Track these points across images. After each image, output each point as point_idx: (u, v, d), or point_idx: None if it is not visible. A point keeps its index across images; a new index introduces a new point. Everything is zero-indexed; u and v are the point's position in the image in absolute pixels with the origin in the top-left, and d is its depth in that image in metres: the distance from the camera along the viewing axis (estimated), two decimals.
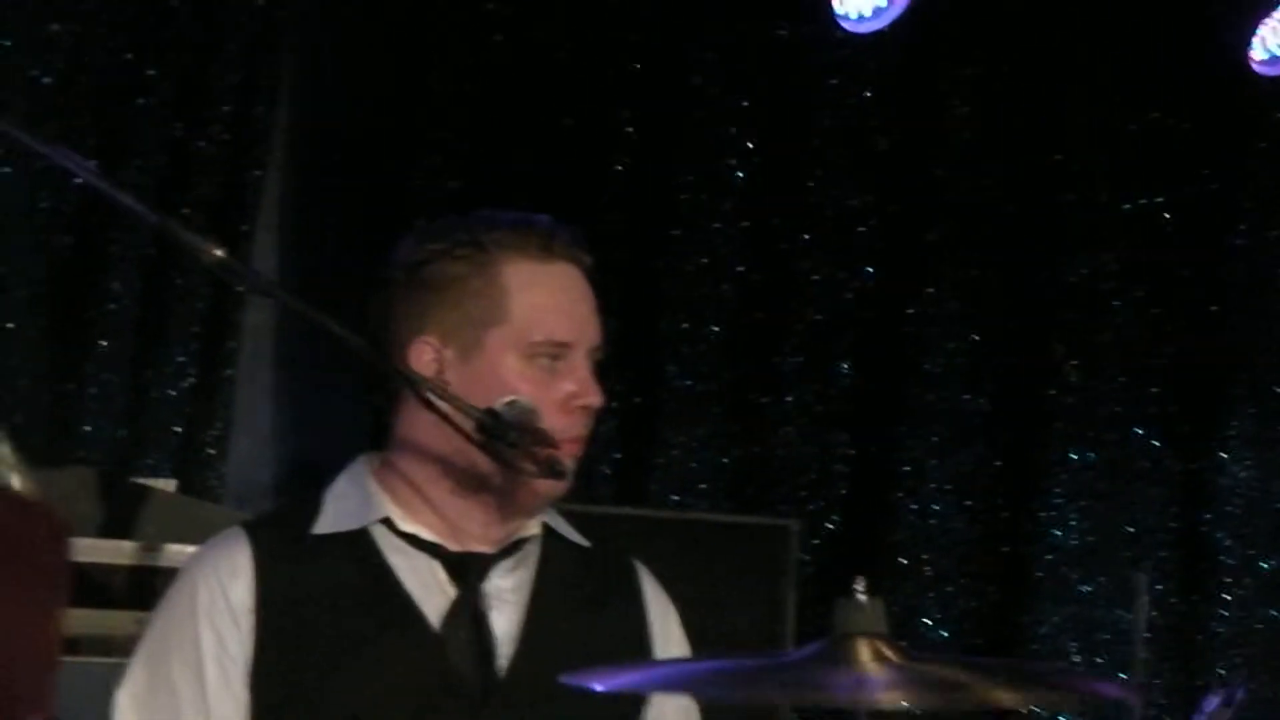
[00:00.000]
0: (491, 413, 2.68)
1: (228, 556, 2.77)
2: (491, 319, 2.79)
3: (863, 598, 2.21)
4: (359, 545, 2.80)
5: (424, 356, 2.79)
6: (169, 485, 4.29)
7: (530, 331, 2.79)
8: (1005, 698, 2.27)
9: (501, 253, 2.81)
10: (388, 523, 2.81)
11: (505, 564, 2.83)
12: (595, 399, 2.78)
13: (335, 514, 2.82)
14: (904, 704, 2.15)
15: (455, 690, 2.74)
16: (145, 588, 3.66)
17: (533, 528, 2.87)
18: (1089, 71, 5.97)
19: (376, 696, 2.71)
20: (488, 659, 2.76)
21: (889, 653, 2.20)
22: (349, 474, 2.87)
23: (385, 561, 2.78)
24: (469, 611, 2.77)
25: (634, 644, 2.89)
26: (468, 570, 2.79)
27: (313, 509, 2.83)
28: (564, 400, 2.77)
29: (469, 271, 2.80)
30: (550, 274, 2.83)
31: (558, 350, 2.80)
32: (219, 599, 2.74)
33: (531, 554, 2.86)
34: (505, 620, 2.79)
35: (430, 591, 2.77)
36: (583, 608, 2.87)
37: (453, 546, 2.80)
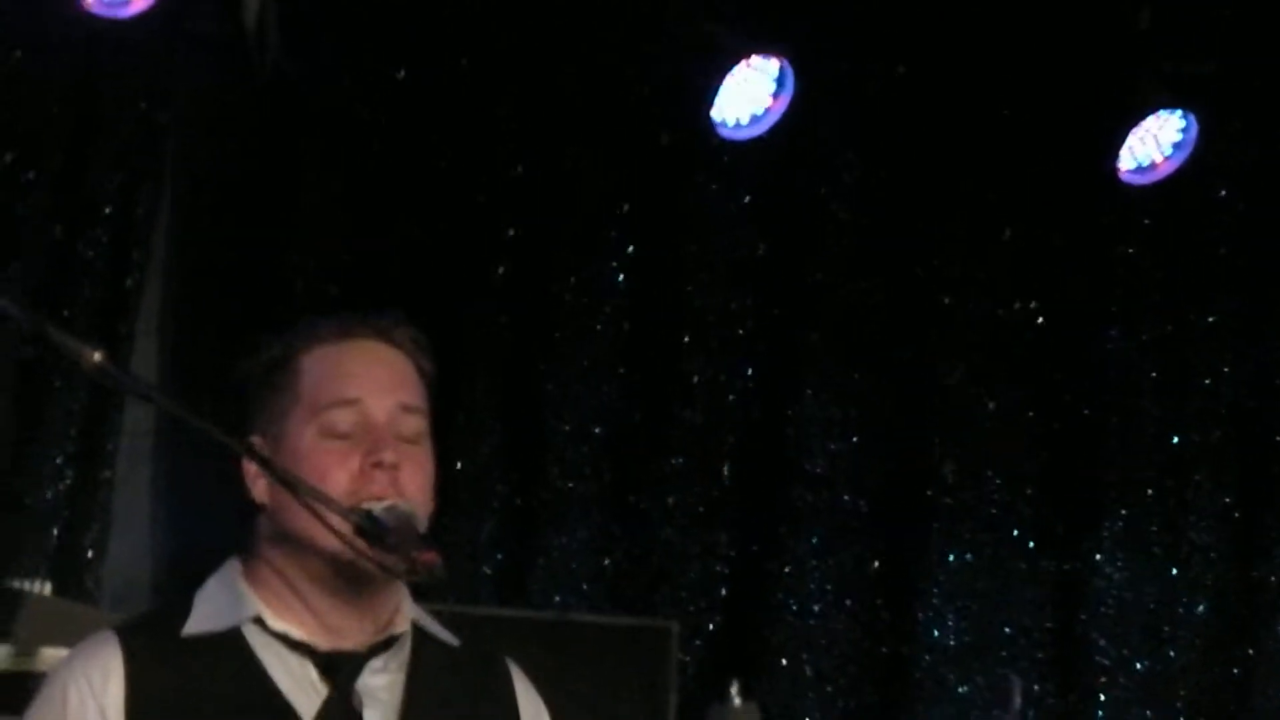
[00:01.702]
0: (369, 516, 2.69)
1: (98, 659, 2.76)
2: (289, 404, 2.81)
3: (737, 702, 2.25)
4: (230, 645, 2.79)
5: (249, 459, 2.81)
6: (44, 588, 4.25)
7: (317, 400, 2.79)
8: None
9: (302, 345, 2.84)
10: (259, 622, 2.80)
11: (376, 662, 2.83)
12: (387, 455, 2.76)
13: (205, 614, 2.81)
14: None
15: None
16: (19, 692, 3.62)
17: (402, 625, 2.88)
18: (964, 178, 6.07)
19: None
20: None
21: None
22: (219, 575, 2.87)
23: (257, 661, 2.77)
24: (342, 711, 2.77)
25: None
26: (339, 669, 2.79)
27: (183, 610, 2.82)
28: (360, 467, 2.76)
29: (277, 369, 2.83)
30: (342, 349, 2.84)
31: (349, 414, 2.79)
32: (89, 702, 2.72)
33: (402, 652, 2.86)
34: (377, 719, 2.79)
35: (303, 691, 2.76)
36: (456, 707, 2.87)
37: (323, 645, 2.80)
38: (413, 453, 2.80)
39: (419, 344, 2.90)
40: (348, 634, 2.81)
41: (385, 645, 2.84)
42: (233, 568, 2.86)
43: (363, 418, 2.78)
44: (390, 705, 2.80)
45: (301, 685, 2.76)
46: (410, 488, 2.75)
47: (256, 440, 2.83)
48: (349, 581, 2.78)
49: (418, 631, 2.89)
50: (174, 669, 2.75)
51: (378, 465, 2.74)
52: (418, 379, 2.87)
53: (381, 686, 2.81)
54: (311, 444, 2.77)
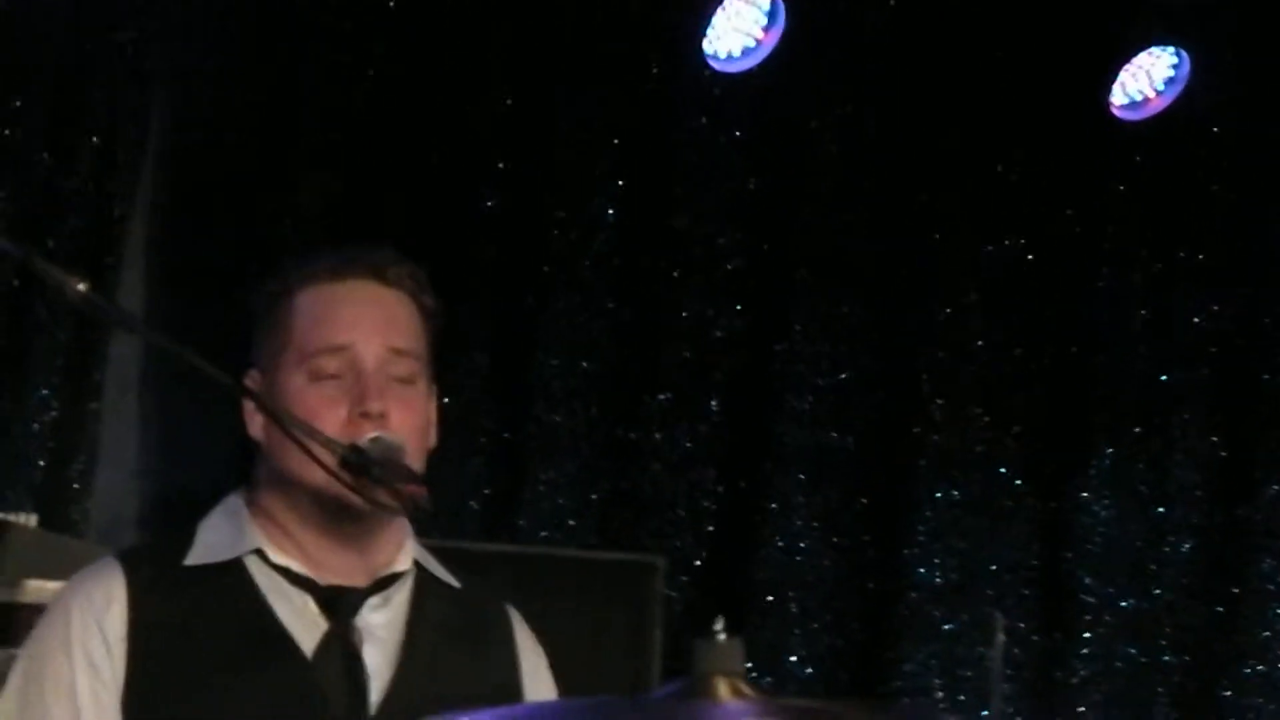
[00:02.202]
0: (355, 448, 2.69)
1: (102, 585, 2.77)
2: (281, 346, 2.81)
3: (721, 637, 2.23)
4: (232, 576, 2.80)
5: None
6: (30, 520, 4.25)
7: (306, 345, 2.79)
8: None
9: (298, 284, 2.83)
10: (260, 555, 2.81)
11: (375, 599, 2.84)
12: (373, 404, 2.76)
13: (208, 545, 2.82)
14: None
15: None
16: (7, 624, 3.62)
17: (403, 563, 2.88)
18: (955, 114, 6.05)
19: None
20: (359, 693, 2.76)
21: (747, 691, 2.22)
22: (223, 507, 2.88)
23: (258, 593, 2.79)
24: (341, 645, 2.78)
25: (504, 687, 2.91)
26: (339, 605, 2.80)
27: (186, 541, 2.83)
28: (345, 416, 2.76)
29: (272, 306, 2.84)
30: (335, 290, 2.84)
31: (337, 360, 2.78)
32: (92, 627, 2.74)
33: (403, 590, 2.87)
34: (377, 656, 2.80)
35: (303, 624, 2.77)
36: (455, 648, 2.88)
37: (323, 580, 2.81)
38: (404, 395, 2.79)
39: (417, 281, 2.88)
40: (346, 571, 2.82)
41: (386, 583, 2.85)
42: (237, 500, 2.86)
43: (351, 362, 2.77)
44: (389, 642, 2.82)
45: (302, 618, 2.78)
46: (401, 431, 2.75)
47: (255, 376, 2.83)
48: (339, 518, 2.78)
49: (420, 571, 2.90)
50: (176, 597, 2.76)
51: (365, 415, 2.74)
52: (414, 318, 2.86)
53: (380, 624, 2.82)
54: (301, 387, 2.77)
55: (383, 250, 2.89)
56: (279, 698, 2.73)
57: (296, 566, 2.81)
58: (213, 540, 2.84)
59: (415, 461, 2.77)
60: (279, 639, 2.76)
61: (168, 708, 2.72)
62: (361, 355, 2.78)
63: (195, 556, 2.82)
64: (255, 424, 2.83)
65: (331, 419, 2.74)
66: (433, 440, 2.90)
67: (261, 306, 2.87)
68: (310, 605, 2.80)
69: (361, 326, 2.80)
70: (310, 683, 2.75)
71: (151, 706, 2.72)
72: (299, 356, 2.78)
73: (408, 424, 2.77)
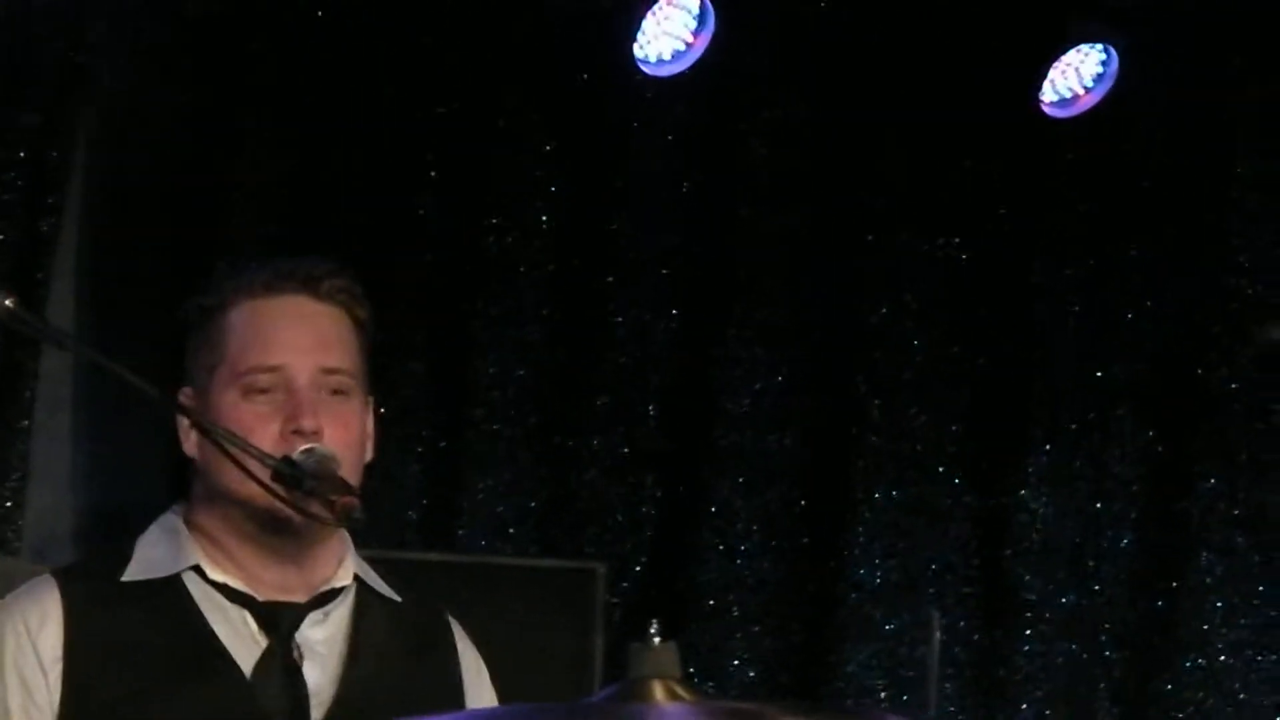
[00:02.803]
0: (288, 460, 2.68)
1: (36, 604, 2.75)
2: (214, 362, 2.81)
3: (656, 641, 2.24)
4: (170, 593, 2.79)
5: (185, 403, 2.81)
6: None
7: (238, 363, 2.79)
8: None
9: (230, 298, 2.83)
10: (198, 571, 2.80)
11: (316, 615, 2.83)
12: (306, 422, 2.75)
13: (146, 562, 2.81)
14: None
15: None
16: None
17: (344, 578, 2.87)
18: (887, 114, 6.06)
19: None
20: (300, 711, 2.76)
21: (683, 694, 2.23)
22: (161, 523, 2.87)
23: (197, 610, 2.78)
24: (280, 662, 2.77)
25: (446, 700, 2.90)
26: (279, 621, 2.79)
27: (123, 557, 2.82)
28: (278, 432, 2.75)
29: (204, 321, 2.83)
30: (268, 306, 2.83)
31: (271, 378, 2.78)
32: (26, 647, 2.72)
33: (343, 605, 2.86)
34: (317, 672, 2.79)
35: (242, 641, 2.77)
36: (396, 663, 2.88)
37: (261, 596, 2.79)
38: (338, 409, 2.79)
39: (351, 293, 2.88)
40: (285, 586, 2.81)
41: (326, 598, 2.83)
42: (174, 516, 2.85)
43: (284, 380, 2.76)
44: (329, 658, 2.81)
45: (241, 636, 2.77)
46: (335, 446, 2.74)
47: (188, 392, 2.82)
48: (274, 532, 2.77)
49: (361, 585, 2.89)
50: (113, 614, 2.75)
51: (297, 432, 2.73)
52: (347, 332, 2.86)
53: (320, 640, 2.82)
54: (234, 404, 2.77)
55: (314, 261, 2.87)
56: (218, 716, 2.72)
57: (235, 583, 2.80)
58: (151, 556, 2.82)
59: (352, 474, 2.76)
60: (217, 657, 2.76)
61: None
62: (294, 375, 2.78)
63: (133, 573, 2.81)
64: (190, 441, 2.82)
65: (264, 435, 2.73)
66: (370, 453, 2.89)
67: (193, 321, 2.86)
68: (249, 622, 2.79)
69: (294, 346, 2.79)
70: (249, 701, 2.74)
71: None
72: (231, 374, 2.78)
73: (341, 439, 2.77)
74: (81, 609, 2.75)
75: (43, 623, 2.73)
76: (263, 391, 2.77)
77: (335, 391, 2.80)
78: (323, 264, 2.89)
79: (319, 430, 2.74)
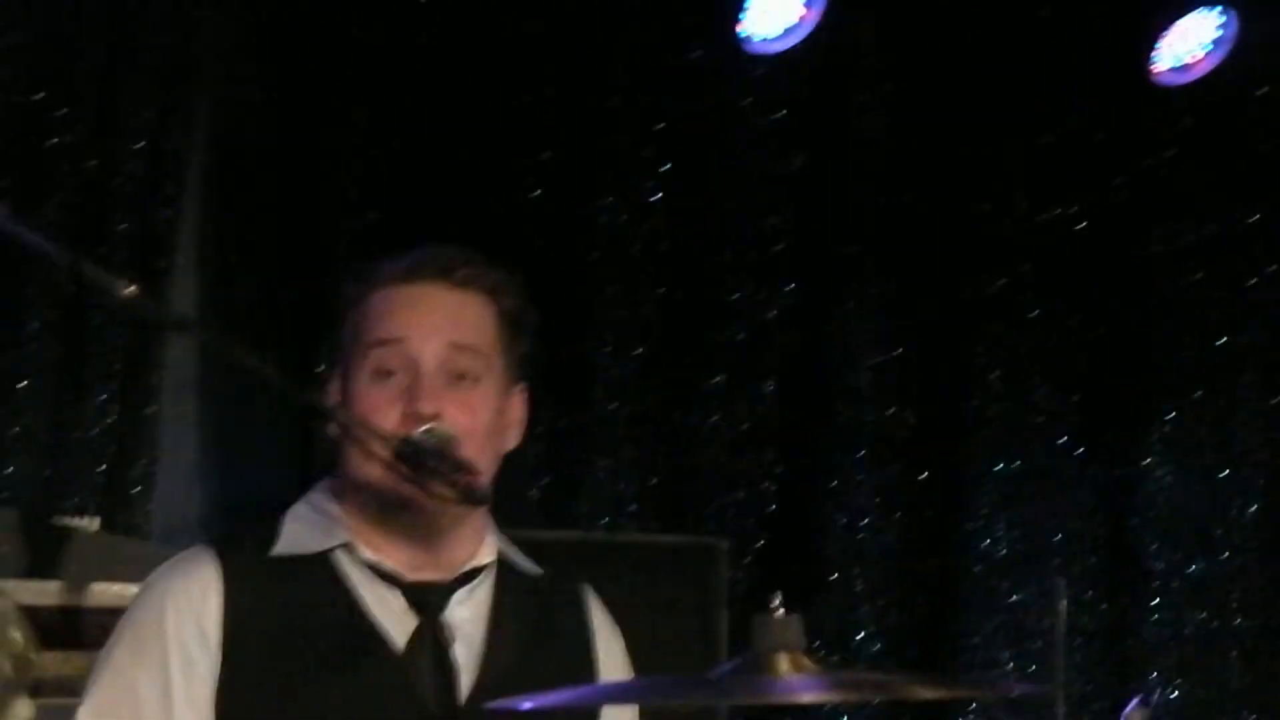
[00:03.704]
0: (407, 440, 2.70)
1: (198, 576, 2.78)
2: (351, 345, 2.83)
3: (780, 614, 2.24)
4: (322, 569, 2.81)
5: (331, 388, 2.84)
6: (93, 524, 4.27)
7: (366, 340, 2.81)
8: (925, 693, 2.35)
9: (374, 283, 2.85)
10: (348, 549, 2.82)
11: (461, 594, 2.85)
12: (424, 405, 2.76)
13: (295, 537, 2.83)
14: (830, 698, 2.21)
15: (419, 716, 2.76)
16: (72, 627, 3.64)
17: (486, 556, 2.89)
18: (1000, 84, 6.02)
19: (342, 718, 2.72)
20: (450, 688, 2.78)
21: (808, 665, 2.23)
22: (309, 498, 2.89)
23: (348, 587, 2.80)
24: (432, 641, 2.79)
25: (581, 670, 2.92)
26: (427, 600, 2.81)
27: (272, 533, 2.84)
28: (399, 415, 2.77)
29: (347, 308, 2.85)
30: (402, 291, 2.84)
31: (394, 354, 2.79)
32: (188, 617, 2.75)
33: (485, 583, 2.88)
34: (464, 650, 2.82)
35: (393, 620, 2.79)
36: (536, 638, 2.90)
37: (409, 576, 2.82)
38: (463, 394, 2.79)
39: (493, 281, 2.88)
40: (427, 566, 2.83)
41: (469, 577, 2.86)
42: (323, 492, 2.88)
43: (408, 358, 2.78)
44: (474, 636, 2.83)
45: (392, 614, 2.79)
46: (456, 430, 2.75)
47: (334, 372, 2.86)
48: (402, 512, 2.79)
49: (502, 563, 2.91)
50: (269, 588, 2.77)
51: (416, 416, 2.75)
52: (485, 318, 2.85)
53: (466, 619, 2.84)
54: (364, 386, 2.79)
55: (456, 251, 2.89)
56: (372, 693, 2.75)
57: (385, 562, 2.82)
58: (300, 532, 2.85)
59: (479, 458, 2.77)
60: (370, 635, 2.78)
61: (262, 701, 2.73)
62: (417, 350, 2.79)
63: (284, 548, 2.83)
64: (333, 425, 2.85)
65: (387, 417, 2.75)
66: (512, 440, 2.90)
67: (339, 309, 2.89)
68: (399, 600, 2.82)
69: (419, 323, 2.81)
70: (402, 678, 2.77)
71: (246, 699, 2.73)
72: (362, 355, 2.80)
73: (464, 424, 2.77)
74: (239, 582, 2.76)
75: (204, 596, 2.75)
76: (390, 374, 2.79)
77: (462, 376, 2.81)
78: (463, 253, 2.91)
79: (438, 415, 2.75)
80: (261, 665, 2.73)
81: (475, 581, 2.87)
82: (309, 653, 2.74)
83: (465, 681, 2.80)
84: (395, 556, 2.82)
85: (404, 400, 2.76)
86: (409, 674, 2.77)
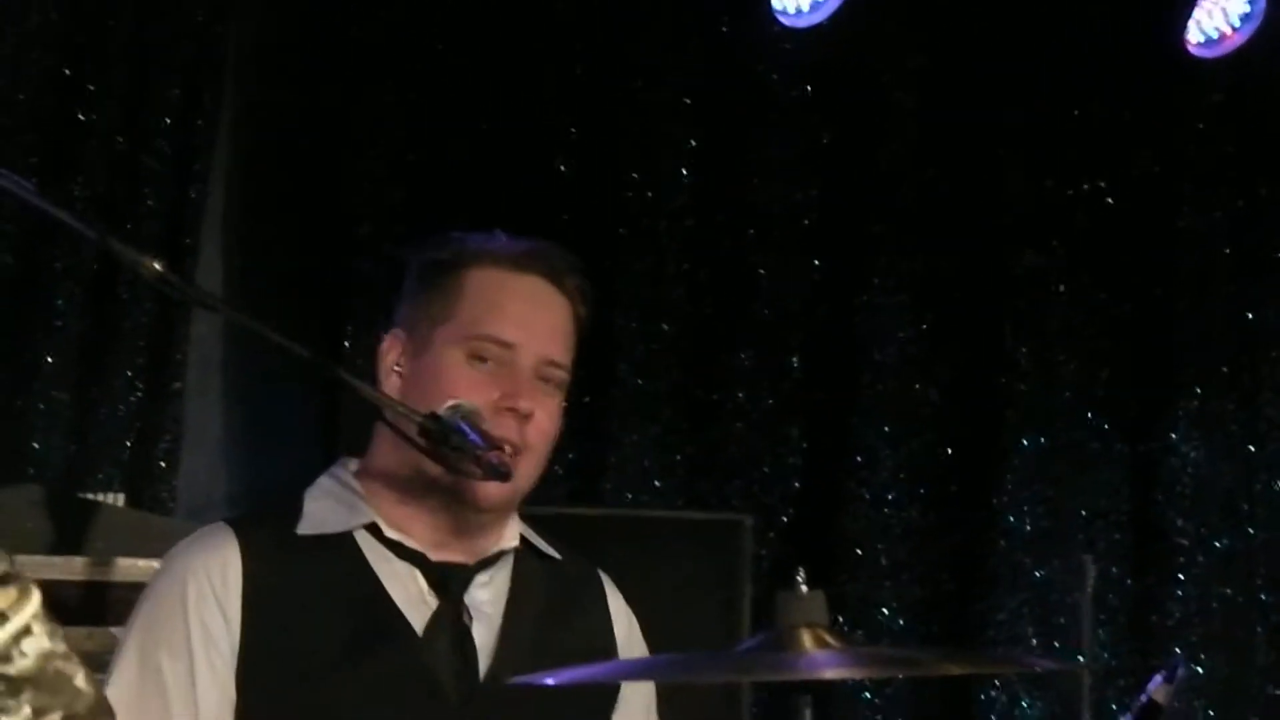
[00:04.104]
0: (433, 416, 2.71)
1: (218, 553, 2.80)
2: (444, 317, 2.84)
3: (804, 589, 2.25)
4: (344, 548, 2.83)
5: (390, 349, 2.86)
6: (118, 499, 4.29)
7: (473, 326, 2.82)
8: (950, 669, 2.35)
9: (475, 260, 2.87)
10: (372, 528, 2.83)
11: (482, 576, 2.86)
12: (524, 403, 2.79)
13: (318, 516, 2.85)
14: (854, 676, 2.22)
15: (437, 698, 2.77)
16: (97, 603, 3.66)
17: (510, 540, 2.91)
18: (1029, 58, 6.00)
19: (361, 698, 2.74)
20: (468, 669, 2.80)
21: (832, 641, 2.24)
22: (330, 476, 2.90)
23: (370, 567, 2.81)
24: (450, 623, 2.81)
25: (600, 653, 2.94)
26: (449, 581, 2.83)
27: (293, 510, 2.85)
28: (495, 403, 2.78)
29: (441, 273, 2.87)
30: (514, 281, 2.87)
31: (499, 350, 2.81)
32: (208, 594, 2.77)
33: (506, 566, 2.90)
34: (484, 632, 2.83)
35: (413, 601, 2.81)
36: (555, 621, 2.92)
37: (433, 556, 2.83)
38: (549, 400, 2.83)
39: (585, 293, 2.92)
40: (454, 548, 2.84)
41: (492, 560, 2.87)
42: (344, 471, 2.88)
43: (511, 359, 2.80)
44: (494, 617, 2.85)
45: (412, 595, 2.81)
46: (536, 437, 2.78)
47: (398, 335, 2.86)
48: (444, 497, 2.80)
49: (524, 545, 2.92)
50: (289, 566, 2.79)
51: (512, 410, 2.76)
52: (572, 331, 2.90)
53: (486, 600, 2.86)
54: (455, 364, 2.80)
55: (561, 251, 2.91)
56: (391, 674, 2.76)
57: (409, 541, 2.83)
58: (323, 511, 2.86)
59: (538, 465, 2.80)
60: (391, 615, 2.80)
61: (281, 678, 2.75)
62: (523, 356, 2.81)
63: (306, 526, 2.85)
64: (391, 381, 2.86)
65: (480, 400, 2.76)
66: (555, 444, 2.93)
67: (424, 272, 2.89)
68: (419, 581, 2.83)
69: (530, 329, 2.83)
70: (421, 660, 2.78)
71: (265, 676, 2.75)
72: (462, 335, 2.81)
73: (547, 429, 2.82)
74: (259, 559, 2.78)
75: (225, 572, 2.76)
76: (485, 360, 2.81)
77: (548, 380, 2.84)
78: (568, 256, 2.93)
79: (532, 413, 2.79)
80: (281, 643, 2.75)
81: (496, 565, 2.89)
82: (329, 633, 2.76)
83: (484, 662, 2.81)
84: (420, 536, 2.84)
85: (499, 390, 2.78)
86: (427, 656, 2.79)
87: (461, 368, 2.81)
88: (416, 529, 2.84)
